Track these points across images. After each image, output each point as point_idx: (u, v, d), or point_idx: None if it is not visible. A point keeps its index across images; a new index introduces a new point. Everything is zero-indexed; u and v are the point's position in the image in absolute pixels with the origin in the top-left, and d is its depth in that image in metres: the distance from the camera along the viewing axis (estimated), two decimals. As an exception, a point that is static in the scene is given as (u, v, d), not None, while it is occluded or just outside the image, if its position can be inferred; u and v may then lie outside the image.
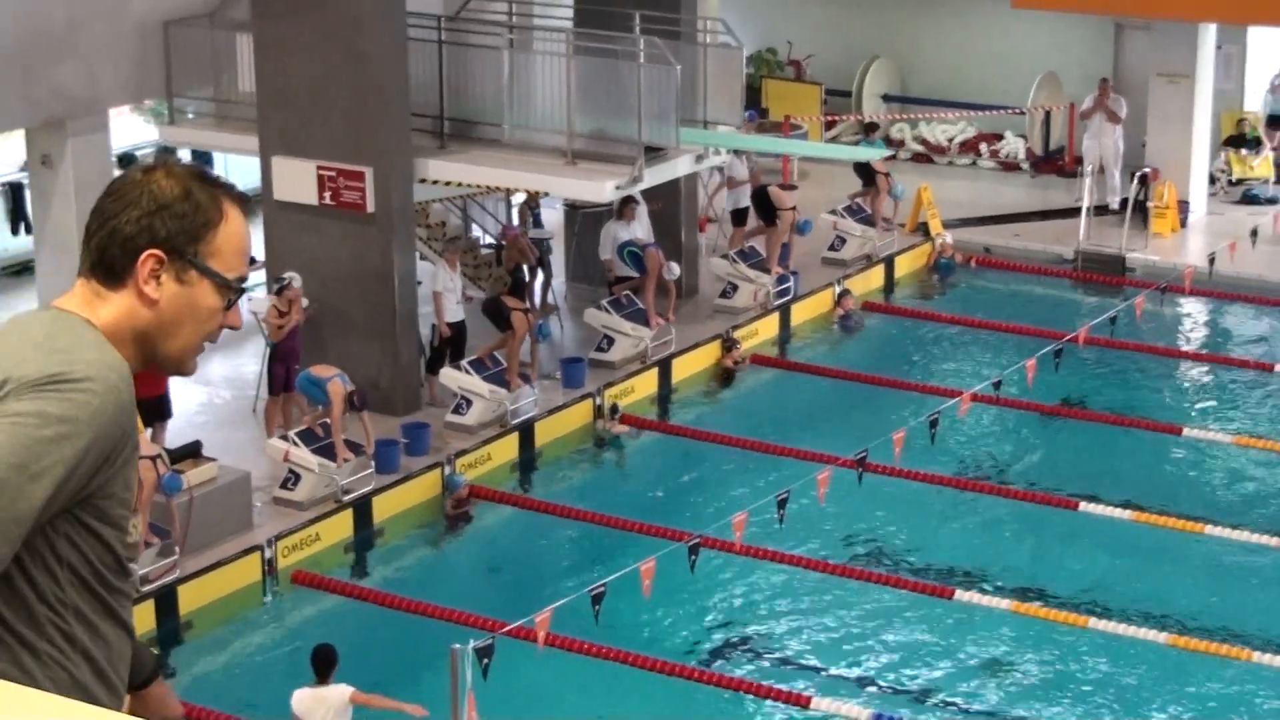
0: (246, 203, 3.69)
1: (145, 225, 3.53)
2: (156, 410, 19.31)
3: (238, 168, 26.61)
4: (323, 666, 14.66)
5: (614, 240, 23.52)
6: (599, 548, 18.54)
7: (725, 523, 17.33)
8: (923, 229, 27.50)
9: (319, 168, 20.92)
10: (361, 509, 18.98)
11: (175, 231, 3.54)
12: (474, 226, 25.70)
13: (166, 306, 3.55)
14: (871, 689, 16.16)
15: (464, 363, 20.93)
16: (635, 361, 22.74)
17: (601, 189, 21.39)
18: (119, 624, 3.47)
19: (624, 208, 23.24)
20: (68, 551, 3.37)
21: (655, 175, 21.88)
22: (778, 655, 16.73)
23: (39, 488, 3.23)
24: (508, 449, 20.67)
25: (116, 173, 24.51)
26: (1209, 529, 18.56)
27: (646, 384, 22.63)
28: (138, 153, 27.22)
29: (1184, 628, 16.82)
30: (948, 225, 27.67)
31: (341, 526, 18.80)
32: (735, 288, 24.63)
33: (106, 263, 3.54)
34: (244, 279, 3.67)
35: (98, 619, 3.42)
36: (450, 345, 21.53)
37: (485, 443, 20.45)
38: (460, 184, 22.18)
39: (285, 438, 19.10)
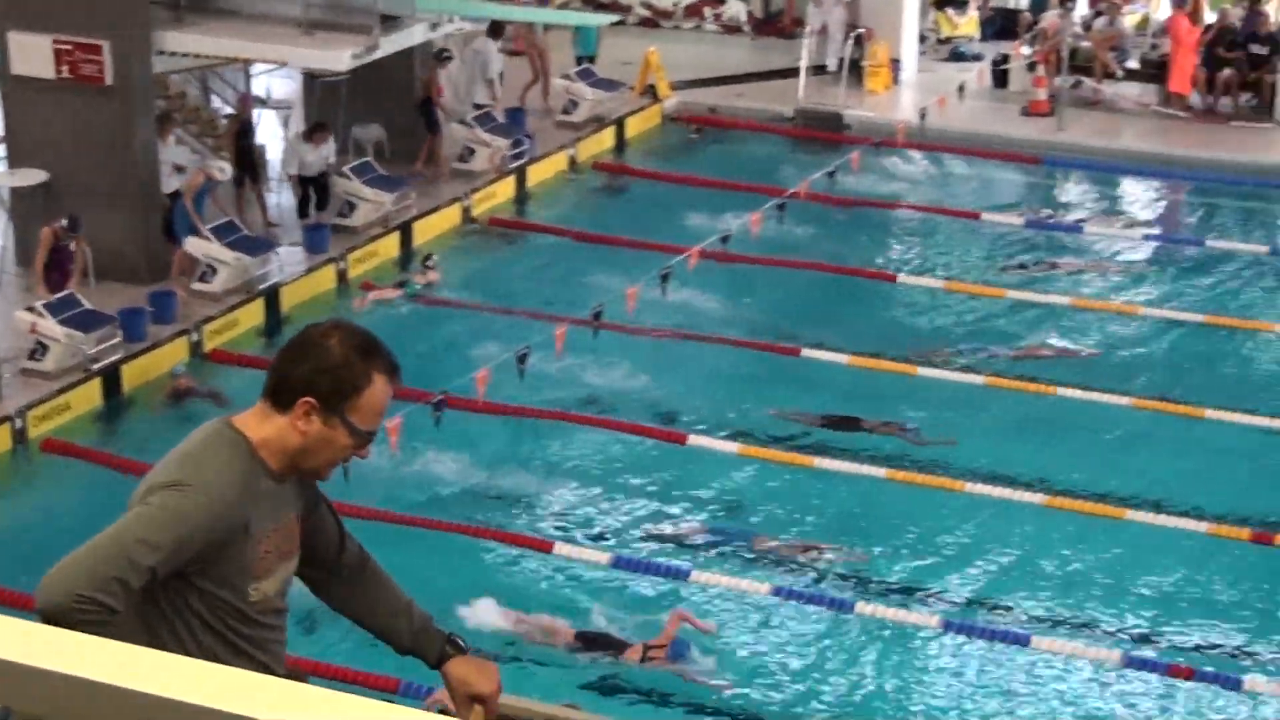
0: (397, 370, 4.55)
1: (310, 379, 4.46)
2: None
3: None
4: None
5: (300, 159, 22.85)
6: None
7: (468, 379, 17.39)
8: (651, 91, 27.60)
9: (55, 41, 20.30)
10: (110, 378, 18.68)
11: (330, 390, 4.46)
12: (214, 98, 25.20)
13: (311, 439, 4.50)
14: (610, 534, 16.36)
15: (208, 230, 20.61)
16: (377, 226, 22.58)
17: (339, 58, 21.09)
18: (251, 661, 4.45)
19: (314, 132, 22.63)
20: (197, 604, 4.44)
21: (391, 44, 21.63)
22: (521, 503, 16.84)
23: (154, 555, 4.27)
24: (255, 314, 20.46)
25: None
26: (922, 370, 19.08)
27: (389, 248, 22.51)
28: None
29: (896, 462, 17.27)
30: (675, 87, 27.80)
31: (91, 395, 18.50)
32: (473, 152, 24.54)
33: (278, 395, 4.50)
34: (373, 431, 4.54)
35: (229, 656, 4.43)
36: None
37: (232, 309, 20.22)
38: (199, 55, 21.68)
39: (32, 309, 18.68)
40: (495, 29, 25.80)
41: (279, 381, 4.50)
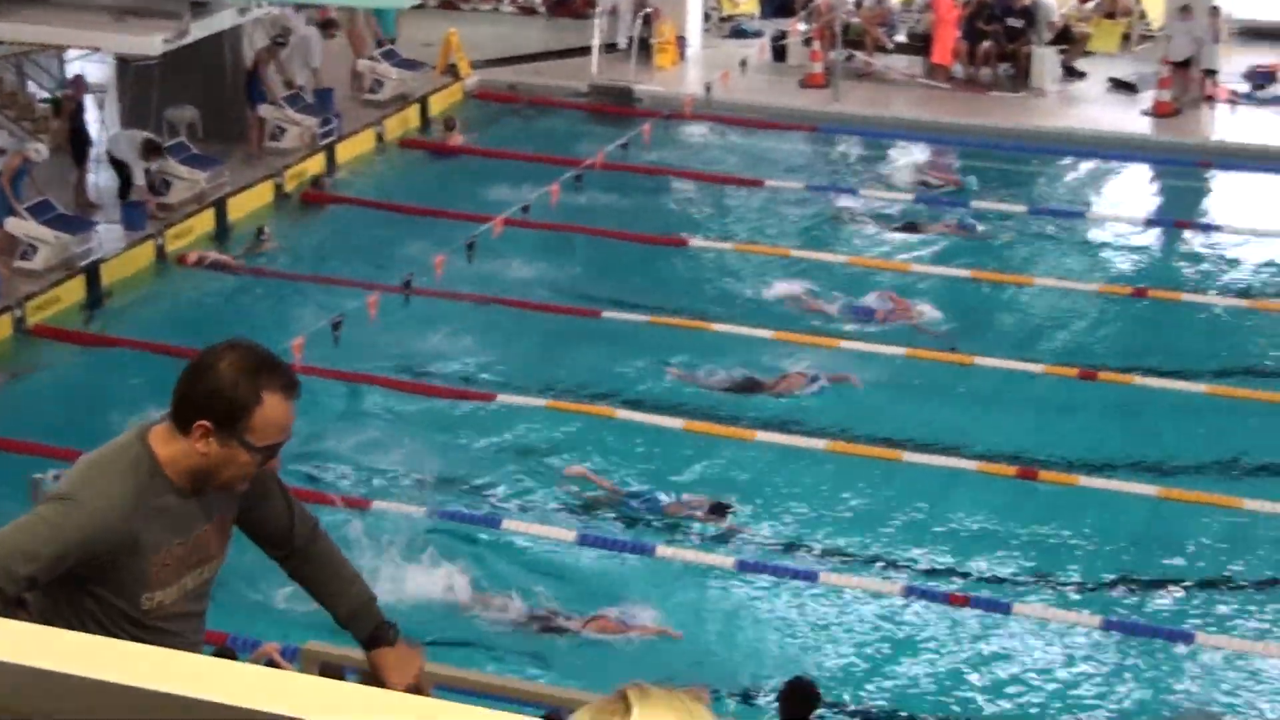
0: (292, 386, 4.44)
1: (203, 402, 4.38)
2: None
3: None
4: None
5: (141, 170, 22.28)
6: (169, 378, 18.12)
7: (284, 347, 17.21)
8: (452, 70, 27.47)
9: None
10: (-63, 355, 18.24)
11: (222, 412, 4.37)
12: (29, 83, 24.60)
13: (212, 458, 4.41)
14: (427, 489, 16.29)
15: (24, 209, 20.15)
16: (193, 203, 22.23)
17: (150, 43, 20.69)
18: None
19: (151, 153, 21.91)
20: (91, 606, 4.39)
21: (201, 28, 21.28)
22: (340, 465, 16.69)
23: (31, 566, 4.23)
24: (76, 290, 20.06)
25: None
26: (716, 326, 19.21)
27: (204, 223, 22.17)
28: None
29: (695, 413, 17.41)
30: (475, 66, 27.69)
31: (-82, 372, 18.04)
32: (283, 130, 24.24)
33: (177, 417, 4.43)
34: (276, 444, 4.46)
35: None
36: None
37: (53, 285, 19.80)
38: (12, 42, 21.14)
39: None
40: (328, 23, 25.69)
41: (177, 405, 4.44)
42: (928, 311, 19.65)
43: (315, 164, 24.13)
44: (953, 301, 20.26)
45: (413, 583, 14.24)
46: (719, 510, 15.59)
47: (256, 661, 11.30)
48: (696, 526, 15.51)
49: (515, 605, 14.10)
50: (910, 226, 22.56)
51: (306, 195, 23.46)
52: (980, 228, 22.47)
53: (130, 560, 4.40)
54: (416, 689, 4.72)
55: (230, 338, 4.54)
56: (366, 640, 4.81)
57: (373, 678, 4.73)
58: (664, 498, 15.75)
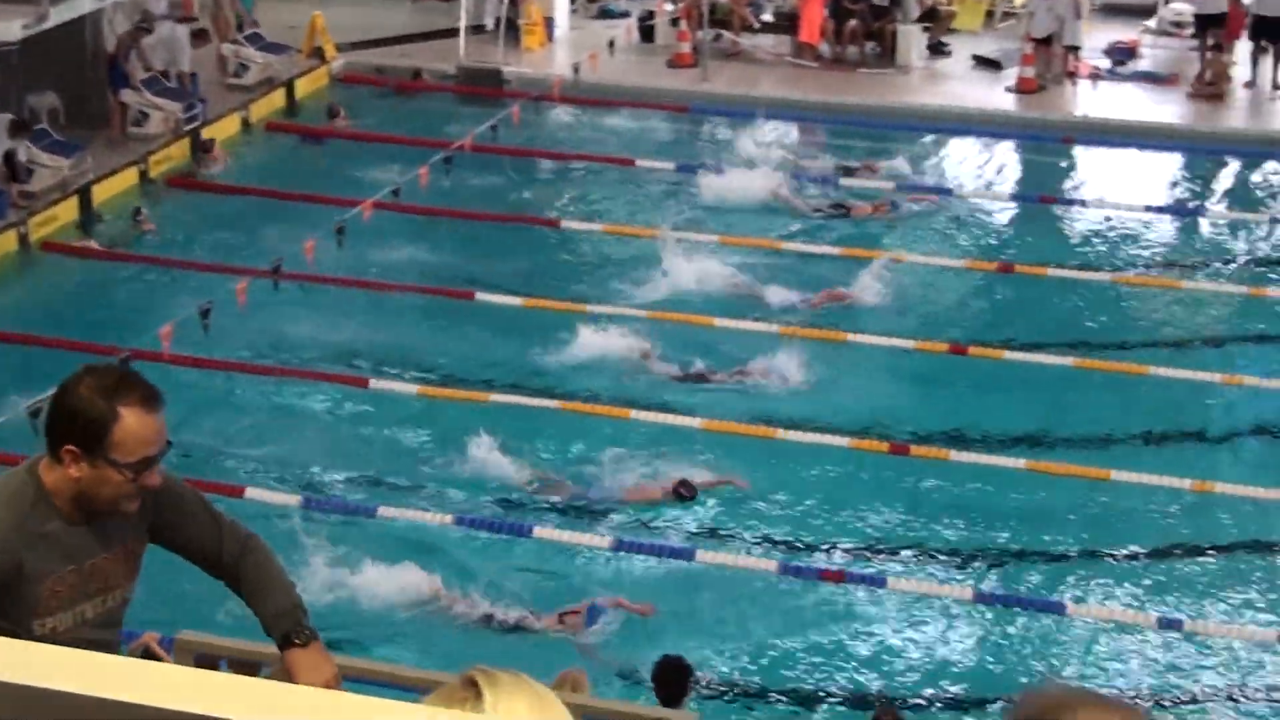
0: (151, 399, 4.54)
1: (65, 427, 4.51)
2: None
3: None
4: None
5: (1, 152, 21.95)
6: (32, 368, 17.86)
7: (153, 335, 17.03)
8: (318, 53, 27.26)
9: None
10: None
11: (83, 434, 4.49)
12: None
13: (84, 481, 4.53)
14: (303, 476, 16.18)
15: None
16: (56, 190, 21.89)
17: (9, 29, 20.36)
18: None
19: (19, 130, 21.55)
20: None
21: (60, 13, 20.96)
22: (211, 454, 16.52)
23: None
24: (-64, 281, 19.75)
25: None
26: (590, 307, 19.22)
27: (69, 210, 21.85)
28: None
29: (571, 394, 17.42)
30: (341, 49, 27.50)
31: None
32: (146, 115, 23.94)
33: (49, 446, 4.56)
34: (144, 459, 4.54)
35: None
36: None
37: (-87, 276, 19.48)
38: None
39: None
40: (199, 33, 25.47)
41: (47, 435, 4.61)
42: (855, 294, 19.71)
43: (181, 149, 23.84)
44: (822, 278, 20.39)
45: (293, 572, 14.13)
46: (687, 489, 15.57)
47: (134, 653, 11.19)
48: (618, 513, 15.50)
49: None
50: (838, 207, 22.61)
51: (172, 180, 23.19)
52: (912, 207, 22.64)
53: (17, 586, 4.45)
54: None
55: (86, 364, 4.67)
56: (280, 642, 4.88)
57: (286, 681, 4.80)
58: (622, 483, 15.73)
